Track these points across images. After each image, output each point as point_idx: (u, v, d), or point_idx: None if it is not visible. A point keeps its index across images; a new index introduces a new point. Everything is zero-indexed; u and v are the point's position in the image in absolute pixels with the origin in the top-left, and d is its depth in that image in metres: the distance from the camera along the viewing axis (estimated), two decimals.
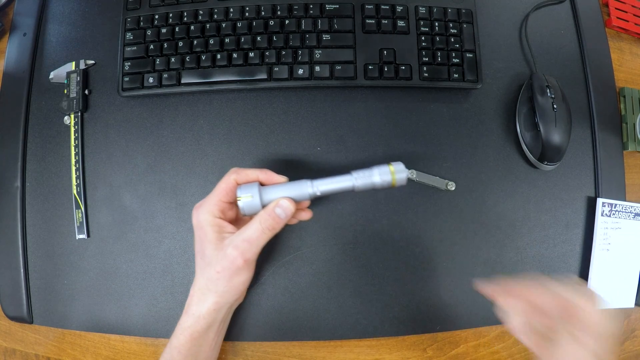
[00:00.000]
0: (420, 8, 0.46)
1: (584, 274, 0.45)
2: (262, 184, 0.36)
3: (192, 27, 0.45)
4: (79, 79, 0.46)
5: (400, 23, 0.46)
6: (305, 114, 0.46)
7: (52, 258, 0.44)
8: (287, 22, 0.45)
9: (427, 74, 0.45)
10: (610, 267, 0.45)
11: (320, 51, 0.45)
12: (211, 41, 0.45)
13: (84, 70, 0.47)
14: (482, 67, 0.46)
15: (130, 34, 0.46)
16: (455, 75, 0.45)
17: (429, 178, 0.45)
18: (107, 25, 0.48)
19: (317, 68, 0.44)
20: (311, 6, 0.46)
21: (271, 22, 0.45)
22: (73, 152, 0.45)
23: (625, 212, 0.46)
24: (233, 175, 0.36)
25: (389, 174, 0.36)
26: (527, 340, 0.31)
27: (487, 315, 0.43)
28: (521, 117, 0.46)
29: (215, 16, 0.45)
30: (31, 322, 0.43)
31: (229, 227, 0.36)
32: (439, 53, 0.45)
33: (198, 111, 0.46)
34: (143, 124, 0.46)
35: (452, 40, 0.46)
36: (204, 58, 0.45)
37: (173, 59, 0.45)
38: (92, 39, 0.48)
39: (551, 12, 0.51)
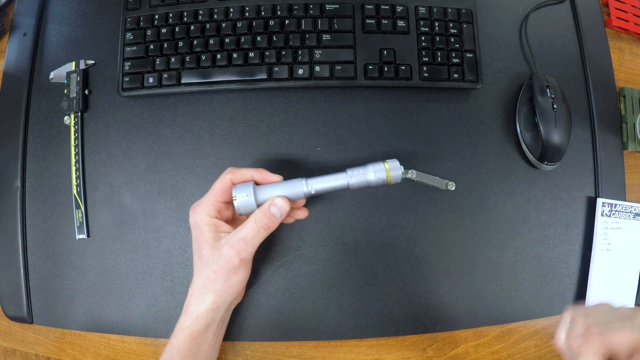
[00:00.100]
0: (420, 8, 0.46)
1: (584, 274, 0.45)
2: (257, 184, 0.36)
3: (192, 27, 0.45)
4: (79, 79, 0.46)
5: (400, 23, 0.46)
6: (305, 114, 0.46)
7: (52, 258, 0.44)
8: (287, 22, 0.45)
9: (427, 74, 0.45)
10: (610, 267, 0.45)
11: (320, 51, 0.45)
12: (211, 41, 0.45)
13: (84, 70, 0.47)
14: (482, 67, 0.46)
15: (130, 34, 0.46)
16: (455, 75, 0.45)
17: (429, 178, 0.45)
18: (107, 25, 0.48)
19: (317, 68, 0.44)
20: (311, 6, 0.46)
21: (271, 22, 0.45)
22: (73, 152, 0.45)
23: (625, 212, 0.46)
24: (228, 175, 0.36)
25: (383, 171, 0.36)
26: None
27: (487, 315, 0.43)
28: (521, 117, 0.46)
29: (215, 16, 0.45)
30: (31, 322, 0.43)
31: (225, 227, 0.36)
32: (439, 53, 0.45)
33: (198, 111, 0.46)
34: (143, 124, 0.46)
35: (452, 40, 0.46)
36: (204, 58, 0.45)
37: (173, 59, 0.45)
38: (92, 39, 0.48)
39: (551, 12, 0.51)
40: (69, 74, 0.46)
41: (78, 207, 0.44)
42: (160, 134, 0.46)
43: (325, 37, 0.45)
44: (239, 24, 0.45)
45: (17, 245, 0.44)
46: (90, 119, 0.46)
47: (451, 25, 0.46)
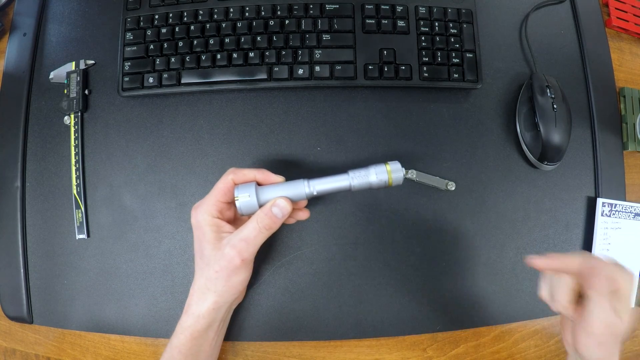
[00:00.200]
0: (420, 8, 0.46)
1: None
2: (259, 184, 0.36)
3: (192, 27, 0.45)
4: (79, 79, 0.46)
5: (400, 23, 0.46)
6: (305, 114, 0.46)
7: (52, 258, 0.44)
8: (287, 22, 0.45)
9: (427, 74, 0.45)
10: None
11: (320, 51, 0.45)
12: (211, 41, 0.45)
13: (84, 70, 0.47)
14: (482, 67, 0.46)
15: (130, 34, 0.46)
16: (455, 75, 0.45)
17: (429, 178, 0.45)
18: (107, 25, 0.48)
19: (317, 68, 0.44)
20: (311, 6, 0.46)
21: (271, 22, 0.45)
22: (73, 152, 0.45)
23: (625, 212, 0.46)
24: (230, 176, 0.36)
25: (385, 173, 0.36)
26: (569, 309, 0.31)
27: (487, 315, 0.43)
28: (521, 117, 0.46)
29: (215, 16, 0.45)
30: (31, 322, 0.43)
31: (227, 227, 0.36)
32: (439, 53, 0.45)
33: (198, 111, 0.46)
34: (143, 124, 0.46)
35: (452, 40, 0.46)
36: (204, 58, 0.45)
37: (173, 59, 0.45)
38: (92, 39, 0.48)
39: (551, 12, 0.51)
40: (69, 74, 0.46)
41: (78, 207, 0.44)
42: (160, 134, 0.46)
43: (325, 37, 0.45)
44: (239, 24, 0.45)
45: (17, 245, 0.44)
46: (90, 119, 0.46)
47: (451, 25, 0.46)
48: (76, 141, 0.45)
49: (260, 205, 0.35)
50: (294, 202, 0.36)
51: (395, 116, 0.46)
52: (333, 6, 0.46)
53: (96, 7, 0.49)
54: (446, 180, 0.45)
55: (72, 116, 0.46)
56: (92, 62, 0.47)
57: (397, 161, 0.37)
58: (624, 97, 0.50)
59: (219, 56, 0.44)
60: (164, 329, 0.42)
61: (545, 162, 0.45)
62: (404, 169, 0.37)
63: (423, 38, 0.46)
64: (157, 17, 0.46)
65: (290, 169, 0.45)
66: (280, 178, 0.37)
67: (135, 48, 0.45)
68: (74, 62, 0.47)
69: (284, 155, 0.45)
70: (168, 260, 0.43)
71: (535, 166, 0.46)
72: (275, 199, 0.35)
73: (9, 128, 0.46)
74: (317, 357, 0.42)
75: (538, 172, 0.46)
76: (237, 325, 0.42)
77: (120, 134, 0.46)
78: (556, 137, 0.44)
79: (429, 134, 0.46)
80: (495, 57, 0.49)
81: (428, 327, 0.43)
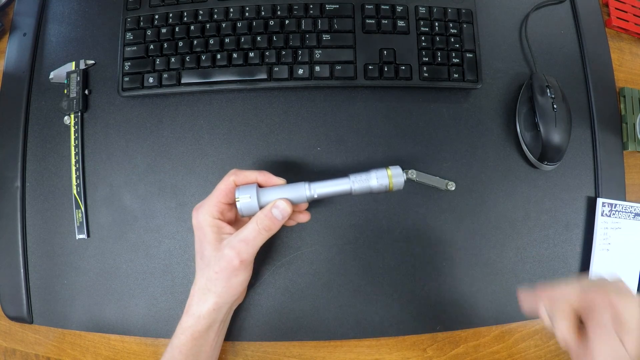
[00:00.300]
0: (420, 8, 0.46)
1: (584, 274, 0.45)
2: (260, 186, 0.37)
3: (192, 27, 0.45)
4: (79, 79, 0.46)
5: (400, 23, 0.46)
6: (305, 114, 0.46)
7: (52, 258, 0.44)
8: (287, 22, 0.45)
9: (427, 74, 0.45)
10: (610, 267, 0.45)
11: (320, 51, 0.45)
12: (211, 41, 0.45)
13: (84, 70, 0.47)
14: (482, 67, 0.46)
15: (130, 34, 0.46)
16: (455, 75, 0.45)
17: (429, 178, 0.45)
18: (107, 25, 0.48)
19: (317, 68, 0.44)
20: (311, 6, 0.46)
21: (271, 22, 0.45)
22: (73, 152, 0.45)
23: (625, 212, 0.46)
24: (232, 177, 0.36)
25: (386, 177, 0.36)
26: (572, 343, 0.29)
27: (487, 315, 0.43)
28: (521, 117, 0.46)
29: (215, 16, 0.45)
30: (31, 322, 0.43)
31: (228, 228, 0.36)
32: (439, 53, 0.45)
33: (198, 111, 0.46)
34: (143, 124, 0.46)
35: (452, 40, 0.46)
36: (204, 58, 0.45)
37: (173, 59, 0.45)
38: (92, 39, 0.48)
39: (551, 12, 0.51)
40: (69, 74, 0.46)
41: (78, 207, 0.44)
42: (160, 134, 0.46)
43: (325, 37, 0.45)
44: (239, 24, 0.45)
45: (17, 245, 0.44)
46: (90, 119, 0.46)
47: (451, 25, 0.46)
48: (76, 141, 0.45)
49: (261, 207, 0.36)
50: (294, 204, 0.36)
51: (395, 116, 0.46)
52: (333, 6, 0.46)
53: (96, 7, 0.49)
54: (446, 180, 0.45)
55: (72, 116, 0.46)
56: (92, 62, 0.47)
57: (398, 166, 0.37)
58: (624, 97, 0.50)
59: (219, 56, 0.44)
60: (164, 329, 0.42)
61: (545, 162, 0.45)
62: (404, 174, 0.37)
63: (423, 38, 0.46)
64: (157, 17, 0.46)
65: (290, 169, 0.45)
66: (281, 180, 0.37)
67: (135, 48, 0.45)
68: (74, 62, 0.47)
69: (284, 155, 0.45)
70: (168, 260, 0.43)
71: (535, 166, 0.46)
72: (275, 201, 0.35)
73: (9, 128, 0.46)
74: (317, 357, 0.42)
75: (538, 172, 0.46)
76: (237, 325, 0.42)
77: (120, 134, 0.46)
78: (556, 137, 0.44)
79: (429, 134, 0.46)
80: (495, 57, 0.49)
81: (428, 327, 0.43)
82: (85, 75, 0.47)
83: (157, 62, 0.45)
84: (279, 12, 0.45)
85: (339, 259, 0.43)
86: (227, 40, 0.45)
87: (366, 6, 0.46)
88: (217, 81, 0.44)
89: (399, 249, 0.44)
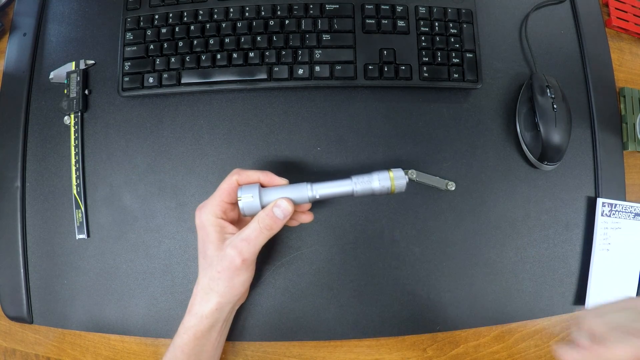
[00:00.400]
0: (420, 8, 0.46)
1: (584, 274, 0.45)
2: (263, 186, 0.37)
3: (192, 27, 0.45)
4: (79, 79, 0.46)
5: (400, 23, 0.46)
6: (305, 114, 0.46)
7: (52, 258, 0.44)
8: (287, 22, 0.45)
9: (427, 74, 0.45)
10: (610, 267, 0.45)
11: (320, 51, 0.45)
12: (211, 41, 0.45)
13: (84, 70, 0.47)
14: (482, 67, 0.46)
15: (130, 34, 0.46)
16: (455, 75, 0.45)
17: (429, 178, 0.45)
18: (107, 25, 0.48)
19: (317, 68, 0.44)
20: (311, 6, 0.46)
21: (271, 22, 0.45)
22: (73, 152, 0.45)
23: (625, 212, 0.46)
24: (235, 176, 0.36)
25: (388, 180, 0.36)
26: None
27: (487, 315, 0.43)
28: (521, 117, 0.46)
29: (215, 16, 0.45)
30: (31, 322, 0.43)
31: (230, 228, 0.36)
32: (439, 53, 0.45)
33: (198, 111, 0.46)
34: (143, 124, 0.46)
35: (452, 40, 0.46)
36: (204, 58, 0.45)
37: (173, 59, 0.45)
38: (92, 39, 0.48)
39: (551, 12, 0.51)
40: (69, 74, 0.46)
41: (78, 207, 0.44)
42: (160, 134, 0.46)
43: (325, 37, 0.45)
44: (239, 24, 0.45)
45: (17, 245, 0.44)
46: (90, 119, 0.46)
47: (451, 25, 0.46)
48: (76, 141, 0.45)
49: (263, 207, 0.36)
50: (296, 204, 0.36)
51: (395, 116, 0.46)
52: (333, 6, 0.46)
53: (96, 7, 0.49)
54: (446, 180, 0.45)
55: (72, 116, 0.46)
56: (92, 62, 0.47)
57: (400, 168, 0.37)
58: (624, 97, 0.50)
59: (219, 56, 0.44)
60: (164, 329, 0.42)
61: (545, 162, 0.45)
62: (406, 176, 0.37)
63: (423, 38, 0.46)
64: (157, 17, 0.46)
65: (290, 169, 0.45)
66: (283, 181, 0.37)
67: (135, 48, 0.45)
68: (74, 62, 0.47)
69: (284, 155, 0.45)
70: (168, 260, 0.43)
71: (535, 166, 0.46)
72: (277, 200, 0.35)
73: (9, 128, 0.46)
74: (317, 357, 0.42)
75: (538, 172, 0.46)
76: (237, 325, 0.42)
77: (120, 134, 0.46)
78: (556, 137, 0.44)
79: (429, 134, 0.46)
80: (495, 57, 0.49)
81: (428, 327, 0.43)
82: (85, 75, 0.47)
83: (157, 62, 0.45)
84: (279, 12, 0.45)
85: (339, 259, 0.44)
86: (227, 40, 0.45)
87: (366, 6, 0.46)
88: (217, 81, 0.44)
89: (399, 249, 0.44)
